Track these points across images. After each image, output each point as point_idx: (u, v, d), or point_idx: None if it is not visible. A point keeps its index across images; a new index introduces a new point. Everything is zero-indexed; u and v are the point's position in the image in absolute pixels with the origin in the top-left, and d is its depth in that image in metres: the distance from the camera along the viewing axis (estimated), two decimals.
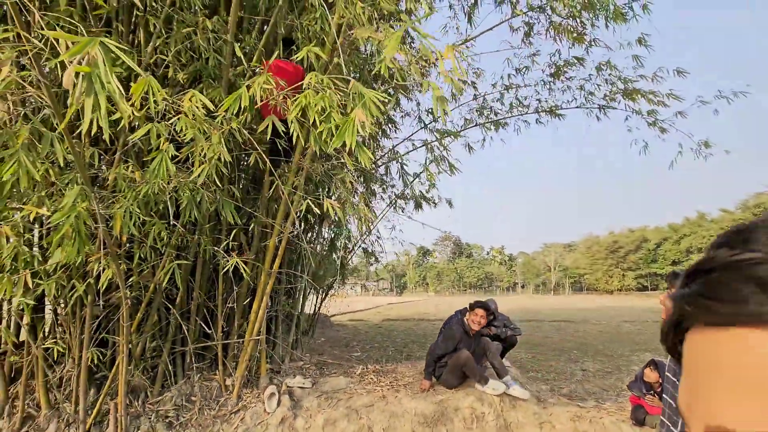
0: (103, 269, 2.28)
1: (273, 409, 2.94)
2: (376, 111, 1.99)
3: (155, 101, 1.72)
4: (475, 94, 7.00)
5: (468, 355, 3.13)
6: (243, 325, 3.38)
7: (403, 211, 11.46)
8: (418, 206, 7.33)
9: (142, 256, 2.53)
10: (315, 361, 4.08)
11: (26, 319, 2.68)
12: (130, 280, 2.63)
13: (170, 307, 2.97)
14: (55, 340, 2.66)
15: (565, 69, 5.74)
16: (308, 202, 2.91)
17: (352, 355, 6.28)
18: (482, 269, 67.06)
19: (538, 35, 5.50)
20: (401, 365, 4.05)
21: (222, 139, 2.11)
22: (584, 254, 55.34)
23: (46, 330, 2.89)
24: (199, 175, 2.07)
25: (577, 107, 5.95)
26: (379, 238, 12.48)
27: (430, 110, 7.73)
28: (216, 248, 2.88)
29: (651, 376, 3.55)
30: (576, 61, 5.58)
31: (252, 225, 3.22)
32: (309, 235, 4.25)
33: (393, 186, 10.84)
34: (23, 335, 2.73)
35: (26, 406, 2.69)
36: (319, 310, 9.86)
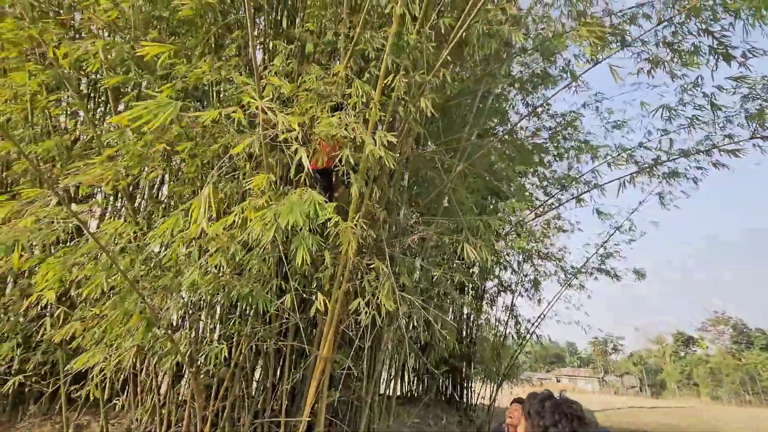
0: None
1: None
2: (304, 215, 2.30)
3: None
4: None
5: None
6: (314, 406, 3.73)
7: (582, 288, 9.85)
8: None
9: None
10: None
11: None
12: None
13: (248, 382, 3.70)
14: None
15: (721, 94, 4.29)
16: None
17: None
18: None
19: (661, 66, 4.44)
20: None
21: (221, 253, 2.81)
22: None
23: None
24: (186, 282, 2.78)
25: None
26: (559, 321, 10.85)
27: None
28: (264, 332, 3.49)
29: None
30: (736, 81, 4.13)
31: (310, 312, 3.72)
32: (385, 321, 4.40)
33: (561, 260, 9.60)
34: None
35: None
36: (493, 401, 9.03)
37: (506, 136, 7.03)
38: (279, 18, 4.40)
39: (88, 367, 2.88)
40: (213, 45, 4.10)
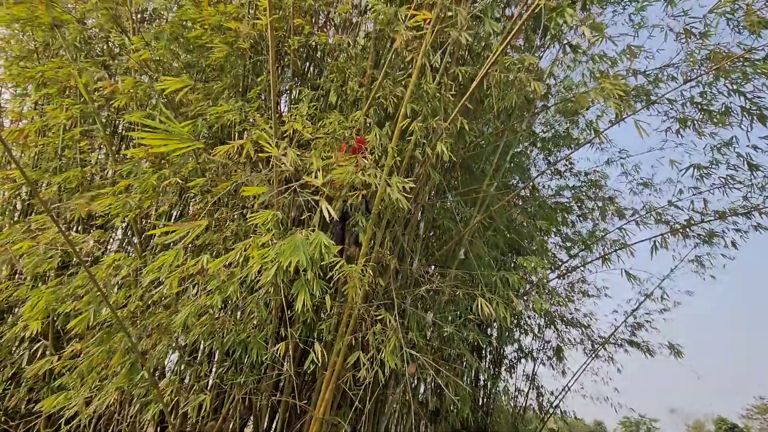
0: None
1: None
2: (307, 256, 2.14)
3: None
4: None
5: None
6: None
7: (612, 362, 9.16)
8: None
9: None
10: None
11: None
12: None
13: None
14: None
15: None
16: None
17: None
18: None
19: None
20: None
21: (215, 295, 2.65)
22: None
23: None
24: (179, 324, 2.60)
25: None
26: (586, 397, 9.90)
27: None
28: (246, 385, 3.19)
29: None
30: None
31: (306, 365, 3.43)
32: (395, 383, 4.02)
33: (587, 327, 9.01)
34: None
35: None
36: None
37: (527, 193, 6.88)
38: (305, 67, 4.57)
39: (64, 409, 2.66)
40: (240, 89, 4.25)
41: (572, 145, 6.90)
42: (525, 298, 5.59)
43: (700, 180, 4.57)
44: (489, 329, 7.13)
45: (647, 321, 8.18)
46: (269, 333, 3.11)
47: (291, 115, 3.64)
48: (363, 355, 2.77)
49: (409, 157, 3.62)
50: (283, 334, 3.30)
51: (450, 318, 4.30)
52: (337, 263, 2.83)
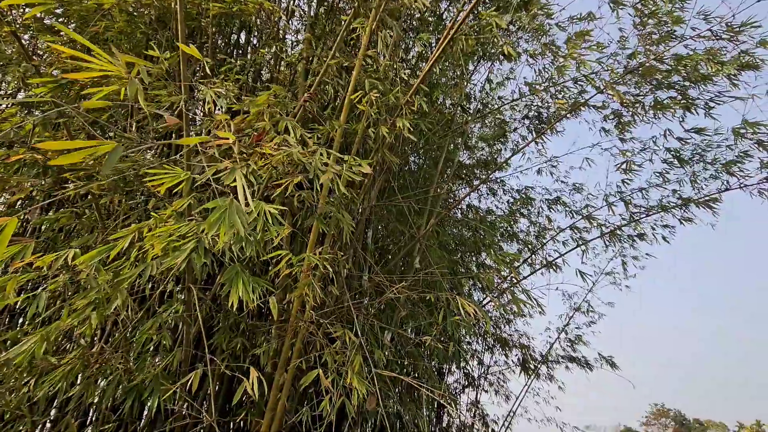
0: None
1: None
2: (245, 226, 1.39)
3: None
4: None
5: None
6: None
7: (550, 380, 8.97)
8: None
9: None
10: None
11: None
12: None
13: None
14: None
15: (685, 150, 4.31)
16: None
17: None
18: None
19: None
20: None
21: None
22: None
23: None
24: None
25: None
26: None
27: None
28: None
29: None
30: (697, 133, 4.14)
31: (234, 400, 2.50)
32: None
33: (527, 348, 8.84)
34: None
35: None
36: None
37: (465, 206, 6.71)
38: (232, 42, 3.83)
39: None
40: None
41: (503, 166, 6.93)
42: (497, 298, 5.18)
43: (628, 181, 4.74)
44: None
45: (578, 336, 8.26)
46: (176, 369, 2.15)
47: (209, 88, 2.85)
48: (320, 372, 1.96)
49: (361, 140, 3.04)
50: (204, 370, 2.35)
51: (409, 336, 3.65)
52: (280, 257, 2.07)
